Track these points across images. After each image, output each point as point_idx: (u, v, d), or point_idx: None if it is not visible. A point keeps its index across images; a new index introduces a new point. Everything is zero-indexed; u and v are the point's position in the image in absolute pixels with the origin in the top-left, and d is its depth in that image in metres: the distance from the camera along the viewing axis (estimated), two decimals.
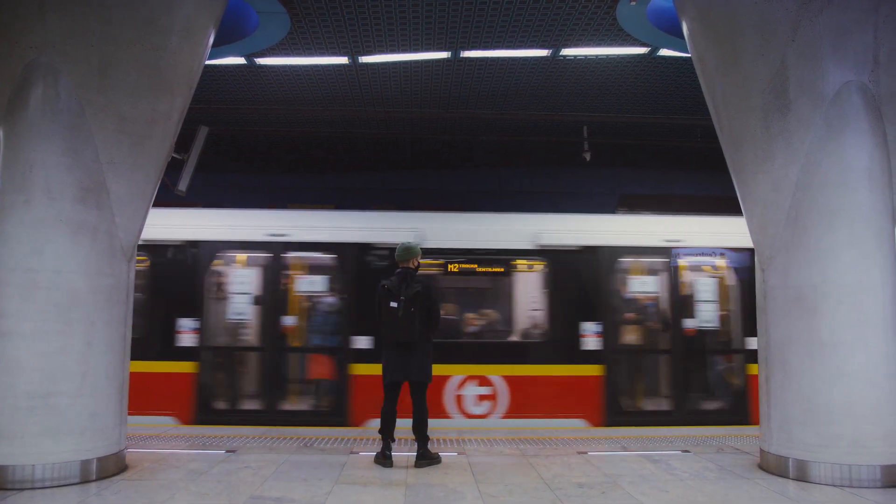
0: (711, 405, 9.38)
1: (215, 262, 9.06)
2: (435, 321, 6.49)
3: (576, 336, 8.97)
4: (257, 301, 9.10)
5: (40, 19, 5.56)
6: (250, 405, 9.18)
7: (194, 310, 8.83)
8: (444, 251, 9.21)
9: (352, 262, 9.04)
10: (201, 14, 6.13)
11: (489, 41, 9.43)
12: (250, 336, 9.41)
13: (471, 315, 9.81)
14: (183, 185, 7.28)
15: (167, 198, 7.49)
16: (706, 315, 9.25)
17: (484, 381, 8.88)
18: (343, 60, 10.14)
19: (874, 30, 5.72)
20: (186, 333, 8.76)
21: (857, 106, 5.71)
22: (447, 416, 8.69)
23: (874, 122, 5.74)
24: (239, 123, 13.45)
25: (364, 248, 9.01)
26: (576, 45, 9.57)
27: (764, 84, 5.88)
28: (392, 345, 6.33)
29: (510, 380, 8.90)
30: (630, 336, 9.41)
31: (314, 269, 9.34)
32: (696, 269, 9.58)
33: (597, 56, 10.05)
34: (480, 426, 8.50)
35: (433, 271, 9.43)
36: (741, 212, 6.43)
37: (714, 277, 9.49)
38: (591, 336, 8.98)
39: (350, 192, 15.95)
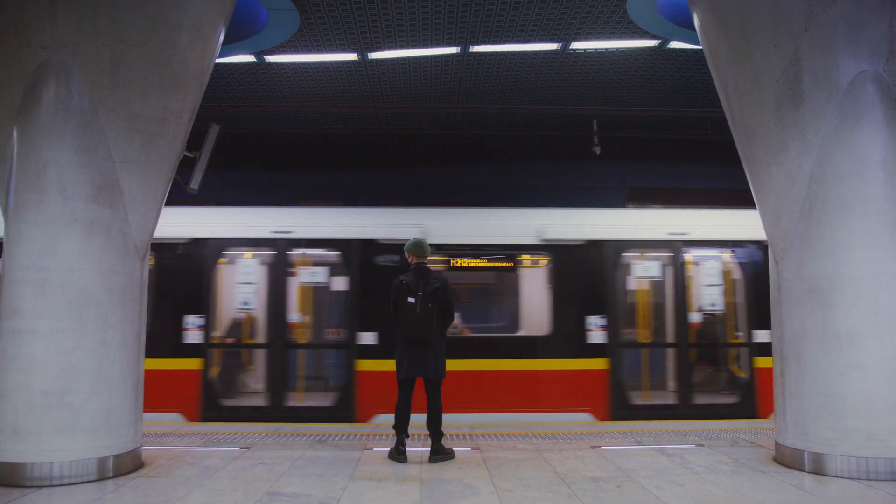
0: None
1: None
2: (449, 318, 6.49)
3: None
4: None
5: (51, 19, 5.58)
6: None
7: None
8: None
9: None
10: (211, 11, 6.14)
11: (498, 36, 9.40)
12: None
13: None
14: (195, 184, 7.28)
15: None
16: None
17: None
18: (352, 57, 10.13)
19: (889, 19, 5.66)
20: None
21: (872, 96, 5.66)
22: None
23: (890, 112, 5.69)
24: (249, 121, 13.47)
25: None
26: (585, 38, 9.53)
27: (777, 75, 5.83)
28: (407, 341, 6.32)
29: None
30: None
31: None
32: None
33: (607, 49, 10.01)
34: None
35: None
36: None
37: None
38: None
39: (358, 188, 15.95)
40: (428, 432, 6.40)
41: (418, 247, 6.57)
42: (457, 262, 9.62)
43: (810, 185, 5.78)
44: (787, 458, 6.00)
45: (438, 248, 9.25)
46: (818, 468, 5.70)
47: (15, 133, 5.69)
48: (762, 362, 9.04)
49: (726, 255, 9.53)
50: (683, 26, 8.47)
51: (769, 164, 6.06)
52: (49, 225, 5.53)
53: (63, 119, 5.59)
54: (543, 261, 9.39)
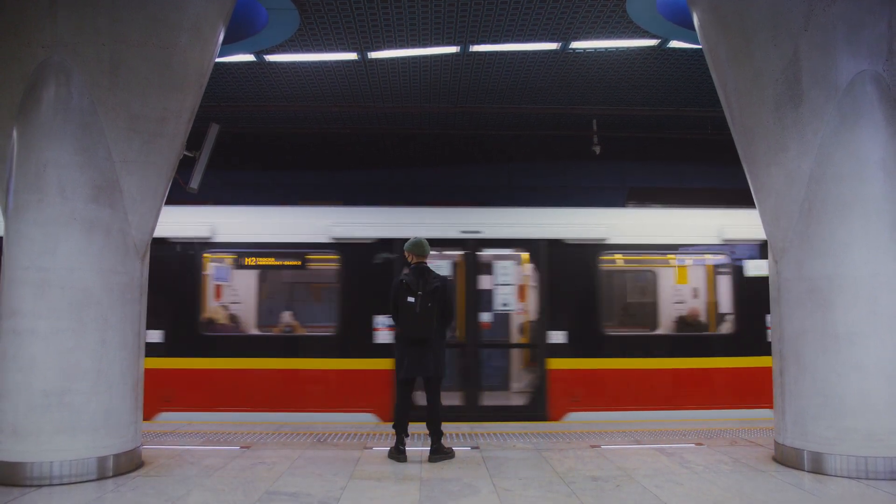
0: None
1: None
2: (449, 317, 6.50)
3: None
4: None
5: (51, 19, 5.59)
6: None
7: None
8: None
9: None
10: (211, 11, 6.14)
11: (498, 35, 9.40)
12: None
13: None
14: (195, 183, 7.28)
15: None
16: None
17: None
18: (352, 56, 10.13)
19: (888, 19, 5.66)
20: None
21: (871, 96, 5.66)
22: None
23: (889, 112, 5.69)
24: (249, 121, 13.48)
25: None
26: (585, 37, 9.53)
27: (776, 75, 5.84)
28: (407, 340, 6.33)
29: None
30: None
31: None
32: None
33: (606, 49, 10.01)
34: None
35: None
36: None
37: None
38: None
39: (359, 188, 15.96)
40: (428, 431, 6.40)
41: (418, 246, 6.58)
42: (249, 261, 9.54)
43: (809, 185, 5.79)
44: (787, 458, 6.01)
45: (227, 247, 9.22)
46: (817, 467, 5.71)
47: (15, 133, 5.69)
48: (554, 363, 8.94)
49: (522, 254, 9.36)
50: (683, 26, 8.47)
51: (768, 164, 6.06)
52: (49, 225, 5.53)
53: (63, 119, 5.59)
54: (333, 259, 9.25)
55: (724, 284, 9.62)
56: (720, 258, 9.64)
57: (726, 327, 9.50)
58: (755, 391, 8.80)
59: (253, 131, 13.92)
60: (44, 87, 5.62)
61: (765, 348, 8.80)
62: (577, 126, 13.18)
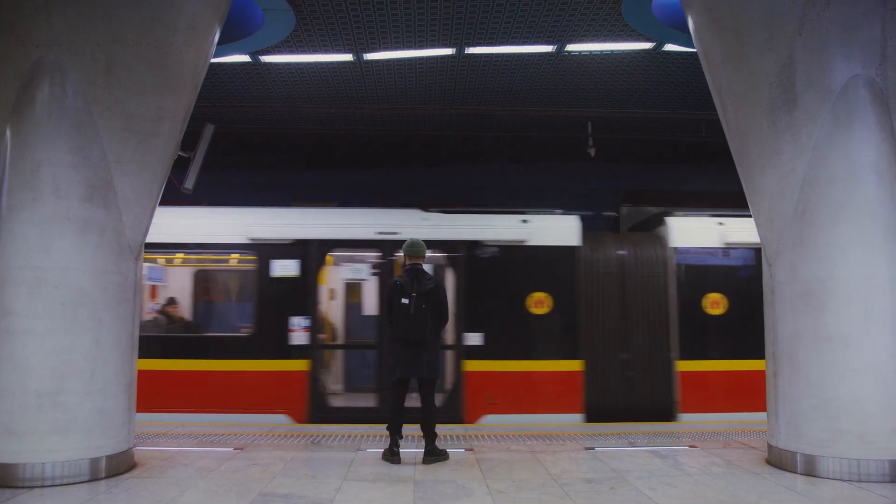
0: None
1: None
2: (444, 319, 6.50)
3: None
4: None
5: (46, 18, 5.58)
6: None
7: None
8: None
9: None
10: (206, 11, 6.14)
11: (494, 37, 9.41)
12: None
13: None
14: (189, 184, 7.27)
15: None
16: None
17: None
18: (348, 57, 10.12)
19: (882, 23, 5.69)
20: None
21: (864, 100, 5.68)
22: None
23: (882, 116, 5.71)
24: (244, 121, 13.45)
25: None
26: (580, 40, 9.54)
27: (771, 78, 5.86)
28: (402, 342, 6.33)
29: None
30: None
31: None
32: None
33: (601, 51, 10.03)
34: None
35: None
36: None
37: None
38: None
39: (354, 189, 15.95)
40: (422, 433, 6.40)
41: (413, 247, 6.58)
42: None
43: (803, 188, 5.81)
44: (780, 460, 6.02)
45: None
46: (810, 470, 5.72)
47: (9, 132, 5.67)
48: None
49: None
50: (678, 29, 8.49)
51: (763, 167, 6.08)
52: (43, 224, 5.52)
53: (57, 118, 5.58)
54: None
55: (249, 285, 9.37)
56: (246, 258, 9.45)
57: (245, 329, 9.29)
58: (272, 396, 8.67)
59: None
60: (38, 85, 5.60)
61: (285, 352, 8.71)
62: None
